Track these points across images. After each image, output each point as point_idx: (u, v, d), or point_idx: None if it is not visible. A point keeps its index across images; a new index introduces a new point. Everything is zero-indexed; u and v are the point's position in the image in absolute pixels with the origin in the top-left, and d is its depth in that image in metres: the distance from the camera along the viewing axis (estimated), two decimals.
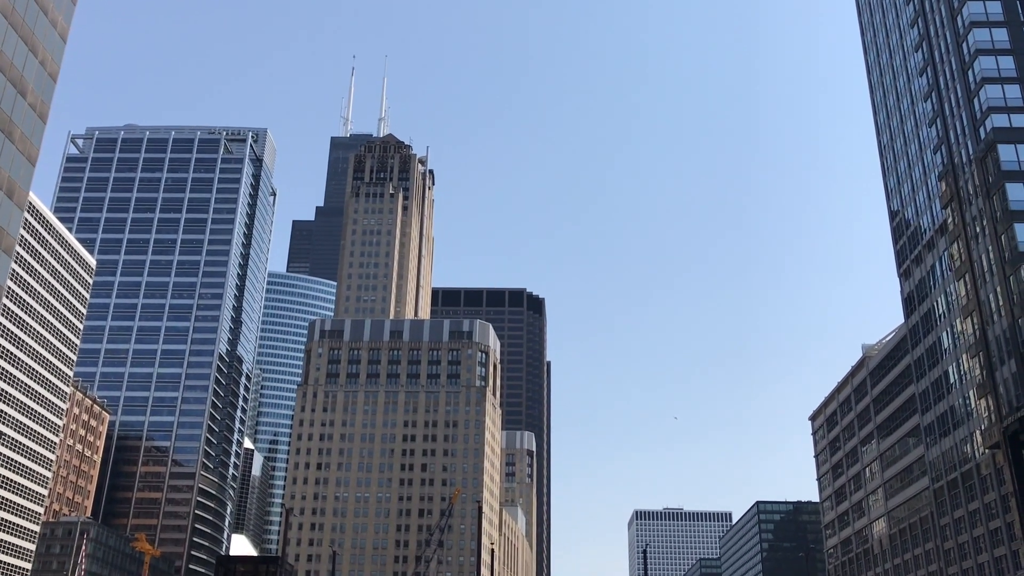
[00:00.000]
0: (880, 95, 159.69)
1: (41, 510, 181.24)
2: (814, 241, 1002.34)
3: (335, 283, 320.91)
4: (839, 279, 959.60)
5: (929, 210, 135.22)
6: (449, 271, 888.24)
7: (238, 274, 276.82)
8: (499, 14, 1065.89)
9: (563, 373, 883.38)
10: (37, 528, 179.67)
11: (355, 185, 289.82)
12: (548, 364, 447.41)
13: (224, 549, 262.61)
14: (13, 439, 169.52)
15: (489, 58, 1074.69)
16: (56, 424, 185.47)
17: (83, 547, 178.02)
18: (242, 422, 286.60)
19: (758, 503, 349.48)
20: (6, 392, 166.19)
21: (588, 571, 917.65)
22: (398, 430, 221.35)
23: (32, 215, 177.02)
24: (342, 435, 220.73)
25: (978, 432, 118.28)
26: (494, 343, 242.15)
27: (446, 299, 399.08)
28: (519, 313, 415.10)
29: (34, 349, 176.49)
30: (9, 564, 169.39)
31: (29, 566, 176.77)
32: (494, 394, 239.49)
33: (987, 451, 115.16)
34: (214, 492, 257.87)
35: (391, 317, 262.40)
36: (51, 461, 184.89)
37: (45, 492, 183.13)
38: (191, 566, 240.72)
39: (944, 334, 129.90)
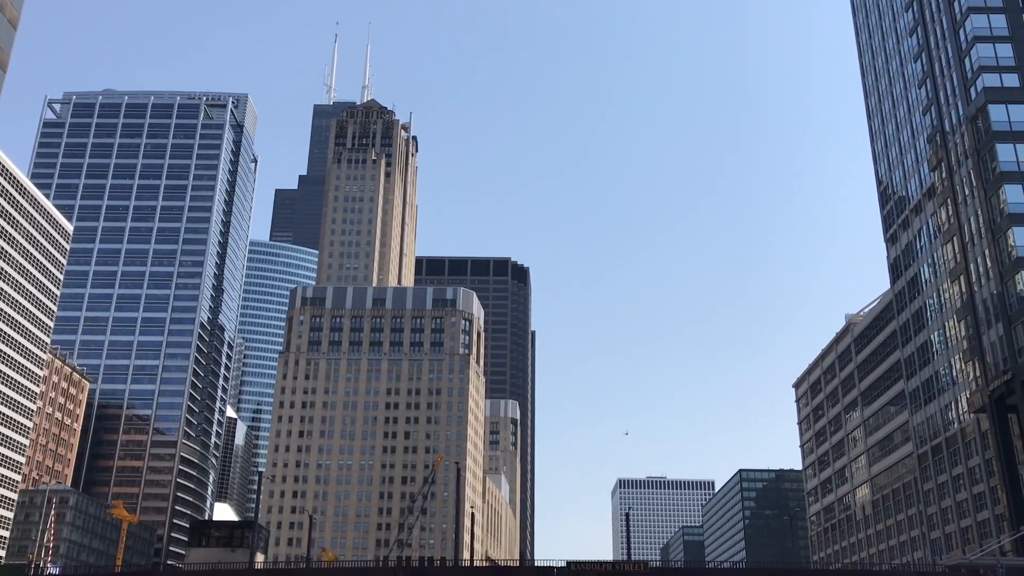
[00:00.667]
0: (868, 58, 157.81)
1: (19, 478, 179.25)
2: (800, 208, 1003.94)
3: (318, 252, 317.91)
4: (825, 246, 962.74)
5: (917, 173, 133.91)
6: (434, 240, 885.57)
7: (219, 241, 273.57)
8: None
9: (548, 342, 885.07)
10: (15, 496, 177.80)
11: (337, 151, 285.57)
12: (533, 333, 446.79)
13: (207, 517, 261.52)
14: None
15: (473, 26, 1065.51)
16: (34, 391, 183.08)
17: (51, 514, 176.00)
18: (224, 391, 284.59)
19: (740, 471, 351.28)
20: None
21: (572, 539, 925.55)
22: (381, 398, 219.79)
23: (7, 180, 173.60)
24: (324, 403, 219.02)
25: (963, 397, 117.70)
26: (478, 311, 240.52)
27: (430, 268, 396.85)
28: (504, 282, 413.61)
29: (9, 315, 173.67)
30: None
31: (7, 533, 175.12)
32: (478, 362, 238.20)
33: (972, 415, 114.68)
34: (196, 460, 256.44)
35: (374, 285, 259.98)
36: (29, 429, 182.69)
37: (23, 460, 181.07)
38: (173, 534, 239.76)
39: (930, 299, 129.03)
